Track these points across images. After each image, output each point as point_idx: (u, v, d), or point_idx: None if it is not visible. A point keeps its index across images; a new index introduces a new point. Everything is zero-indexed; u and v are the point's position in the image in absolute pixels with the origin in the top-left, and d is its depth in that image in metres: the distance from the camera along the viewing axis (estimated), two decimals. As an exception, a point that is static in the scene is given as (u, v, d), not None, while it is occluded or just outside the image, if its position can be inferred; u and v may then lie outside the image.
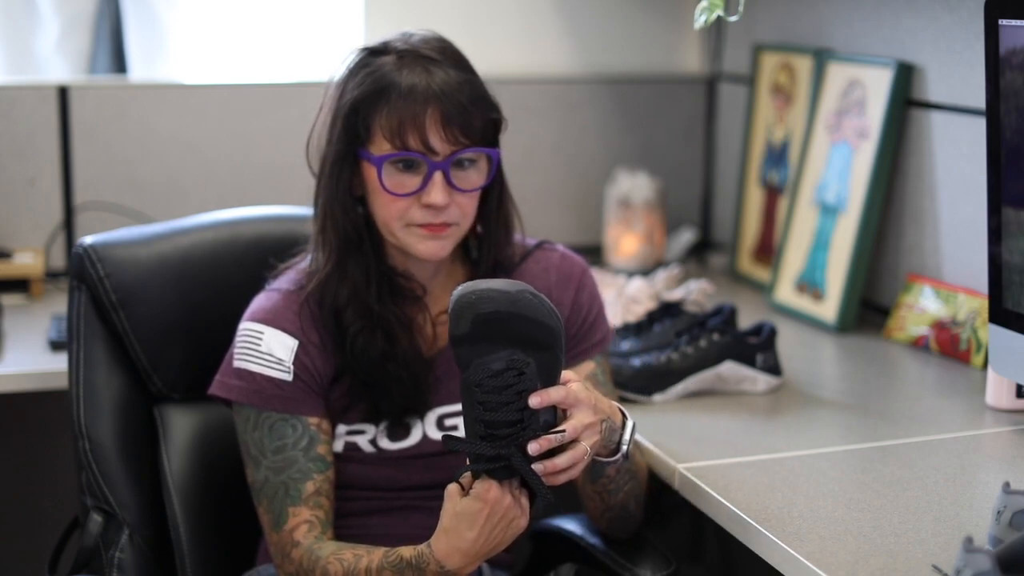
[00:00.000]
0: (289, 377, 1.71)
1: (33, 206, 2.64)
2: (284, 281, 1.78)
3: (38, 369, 2.17)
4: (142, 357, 1.90)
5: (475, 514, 1.52)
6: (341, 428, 1.76)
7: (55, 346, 2.23)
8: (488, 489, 1.51)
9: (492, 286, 1.48)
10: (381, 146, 1.68)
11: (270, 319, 1.73)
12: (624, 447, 1.61)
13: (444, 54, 1.71)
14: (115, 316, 1.88)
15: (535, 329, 1.48)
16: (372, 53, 1.73)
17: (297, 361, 1.71)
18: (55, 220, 2.65)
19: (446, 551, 1.54)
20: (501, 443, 1.49)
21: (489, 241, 1.79)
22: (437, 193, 1.68)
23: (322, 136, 1.75)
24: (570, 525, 1.90)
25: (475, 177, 1.72)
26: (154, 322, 1.90)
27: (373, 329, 1.72)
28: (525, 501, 1.54)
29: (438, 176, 1.68)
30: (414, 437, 1.77)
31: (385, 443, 1.77)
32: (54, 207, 2.65)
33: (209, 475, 1.92)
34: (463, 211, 1.72)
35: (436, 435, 1.77)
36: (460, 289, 1.49)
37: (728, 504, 1.64)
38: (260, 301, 1.77)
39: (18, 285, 2.54)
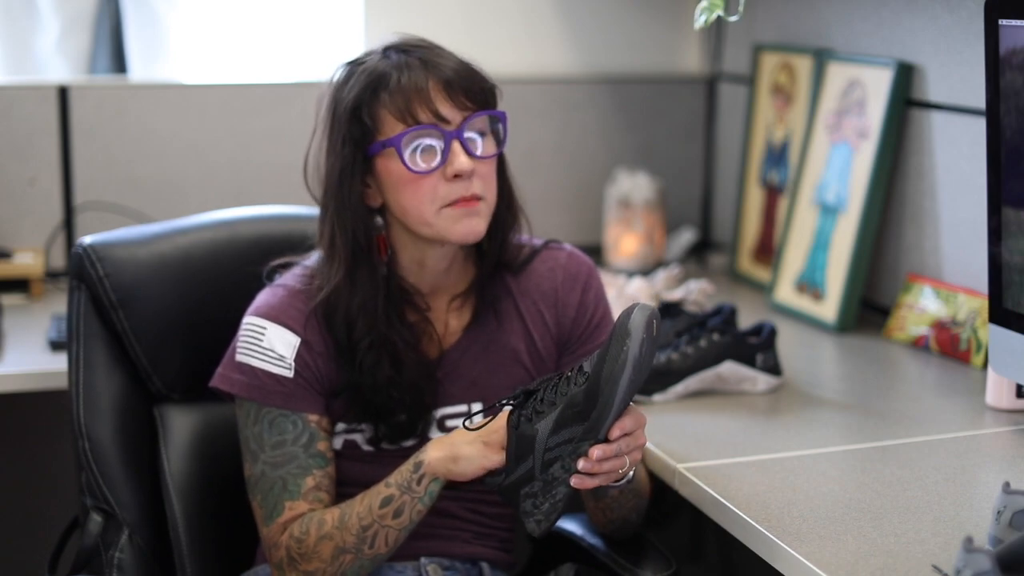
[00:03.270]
0: (290, 374, 1.71)
1: (33, 206, 2.64)
2: (289, 278, 1.78)
3: (38, 369, 2.17)
4: (142, 357, 1.90)
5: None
6: (340, 426, 1.76)
7: (55, 346, 2.23)
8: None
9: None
10: (393, 128, 1.69)
11: (273, 315, 1.73)
12: (630, 473, 1.63)
13: (425, 43, 1.75)
14: (115, 316, 1.88)
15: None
16: (355, 63, 1.74)
17: (299, 358, 1.71)
18: (55, 220, 2.65)
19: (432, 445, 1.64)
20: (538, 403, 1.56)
21: (496, 237, 1.79)
22: (461, 159, 1.68)
23: (320, 156, 1.74)
24: (570, 525, 1.90)
25: (490, 145, 1.73)
26: (154, 322, 1.90)
27: (380, 351, 1.72)
28: (494, 457, 1.59)
29: (456, 145, 1.69)
30: (414, 437, 1.77)
31: (384, 442, 1.77)
32: (54, 207, 2.65)
33: (209, 475, 1.91)
34: (486, 183, 1.72)
35: (436, 436, 1.77)
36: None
37: (728, 504, 1.64)
38: (265, 296, 1.76)
39: (18, 285, 2.54)
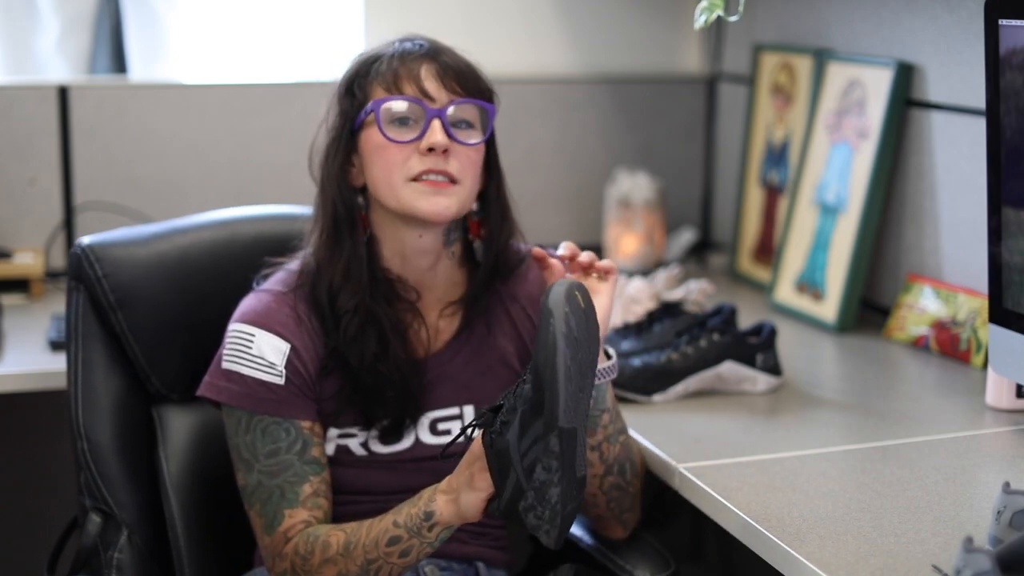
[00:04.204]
0: (281, 381, 1.69)
1: (33, 206, 2.64)
2: (274, 282, 1.77)
3: (38, 369, 2.17)
4: (140, 357, 1.90)
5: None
6: (332, 431, 1.75)
7: (55, 346, 2.23)
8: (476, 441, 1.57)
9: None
10: (378, 96, 1.70)
11: (262, 322, 1.72)
12: (613, 356, 1.70)
13: (434, 41, 1.76)
14: (113, 316, 1.88)
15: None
16: (366, 51, 1.77)
17: (289, 365, 1.70)
18: (55, 220, 2.65)
19: (441, 488, 1.60)
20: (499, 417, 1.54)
21: (492, 249, 1.78)
22: (437, 135, 1.67)
23: (322, 145, 1.76)
24: (569, 525, 1.90)
25: (474, 136, 1.72)
26: (152, 322, 1.90)
27: (365, 322, 1.71)
28: (484, 484, 1.55)
29: (436, 122, 1.68)
30: (407, 441, 1.77)
31: (377, 447, 1.76)
32: (54, 207, 2.65)
33: (207, 476, 1.91)
34: (464, 169, 1.70)
35: (429, 439, 1.77)
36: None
37: (728, 504, 1.64)
38: (250, 302, 1.76)
39: (18, 285, 2.54)
